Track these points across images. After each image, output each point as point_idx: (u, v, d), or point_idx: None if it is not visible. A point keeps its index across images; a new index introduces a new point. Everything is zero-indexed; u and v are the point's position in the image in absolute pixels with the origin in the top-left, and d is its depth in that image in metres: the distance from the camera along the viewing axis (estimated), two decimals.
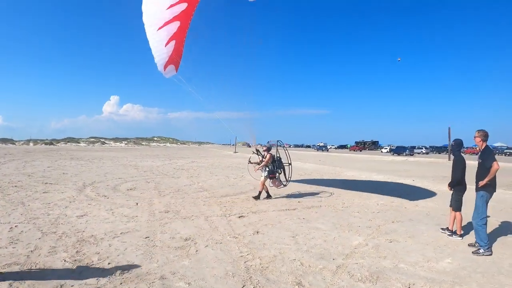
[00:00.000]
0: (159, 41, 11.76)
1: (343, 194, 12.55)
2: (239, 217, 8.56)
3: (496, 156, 6.46)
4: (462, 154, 7.40)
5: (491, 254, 5.95)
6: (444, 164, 33.37)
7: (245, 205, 10.15)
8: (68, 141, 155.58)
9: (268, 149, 11.71)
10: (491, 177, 6.06)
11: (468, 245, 6.44)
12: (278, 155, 12.10)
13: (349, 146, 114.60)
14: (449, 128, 42.23)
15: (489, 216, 7.51)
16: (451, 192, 7.25)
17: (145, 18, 11.49)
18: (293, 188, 14.09)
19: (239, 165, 28.52)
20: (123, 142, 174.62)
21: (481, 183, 6.13)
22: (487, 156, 6.23)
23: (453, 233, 7.13)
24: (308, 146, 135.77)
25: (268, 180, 11.52)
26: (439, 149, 79.09)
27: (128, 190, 13.01)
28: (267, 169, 11.44)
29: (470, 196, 6.89)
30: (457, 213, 7.09)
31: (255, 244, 6.25)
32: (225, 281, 4.58)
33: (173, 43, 12.00)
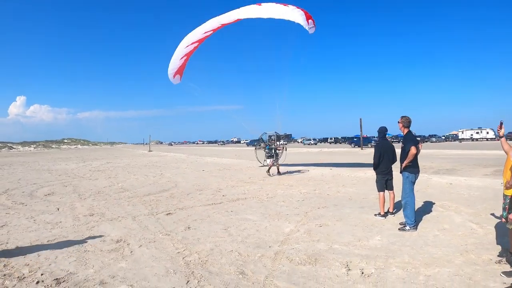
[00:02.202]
0: (179, 55, 14.51)
1: (265, 186, 12.59)
2: (167, 214, 8.17)
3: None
4: (388, 140, 7.50)
5: (416, 230, 6.12)
6: (357, 153, 34.81)
7: (170, 202, 9.74)
8: None
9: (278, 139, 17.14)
10: (409, 160, 6.26)
11: (400, 223, 6.51)
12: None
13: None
14: (360, 120, 44.34)
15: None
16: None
17: (187, 36, 14.27)
18: (213, 182, 14.04)
19: (156, 164, 27.52)
20: (32, 146, 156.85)
21: (403, 165, 6.37)
22: (406, 141, 6.43)
23: (386, 214, 7.24)
24: (223, 142, 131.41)
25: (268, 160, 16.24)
26: (350, 140, 71.18)
27: (46, 195, 11.76)
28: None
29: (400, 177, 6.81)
30: (380, 193, 7.25)
31: (189, 240, 6.00)
32: (168, 279, 4.30)
33: (185, 58, 14.83)
